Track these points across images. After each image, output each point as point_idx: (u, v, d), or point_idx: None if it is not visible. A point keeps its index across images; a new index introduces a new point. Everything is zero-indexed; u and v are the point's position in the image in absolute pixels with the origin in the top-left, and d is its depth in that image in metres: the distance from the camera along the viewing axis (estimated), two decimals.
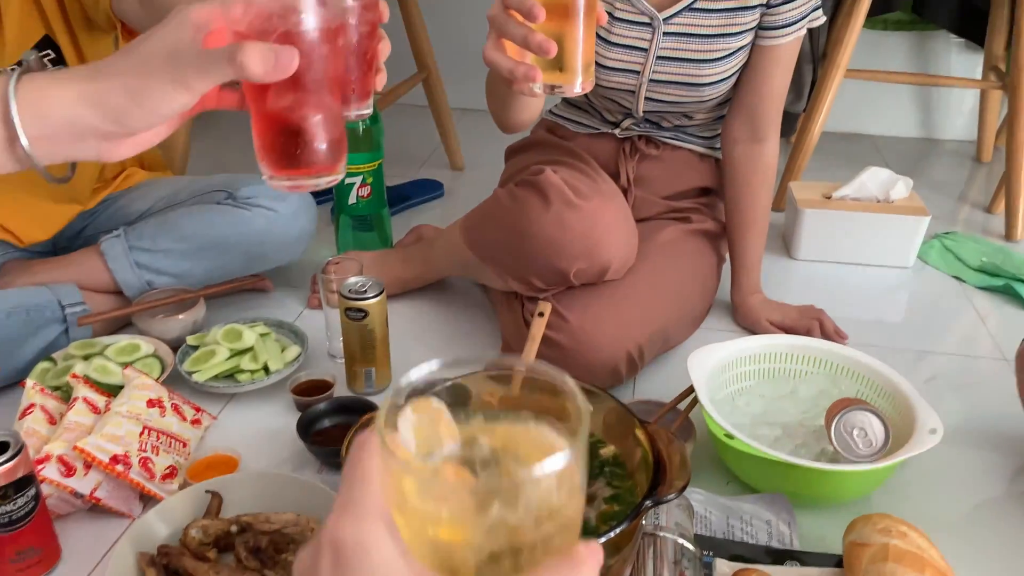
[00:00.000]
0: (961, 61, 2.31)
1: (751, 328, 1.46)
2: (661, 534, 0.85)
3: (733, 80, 1.32)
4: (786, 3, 1.23)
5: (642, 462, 0.80)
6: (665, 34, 1.25)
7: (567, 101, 1.49)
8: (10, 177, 0.61)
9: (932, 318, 1.55)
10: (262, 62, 0.53)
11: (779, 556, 0.93)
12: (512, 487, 0.31)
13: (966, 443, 1.17)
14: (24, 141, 0.56)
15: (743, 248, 1.44)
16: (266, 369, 1.27)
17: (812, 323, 1.42)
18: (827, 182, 1.75)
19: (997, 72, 2.02)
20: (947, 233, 1.78)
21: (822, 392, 1.16)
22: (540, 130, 1.51)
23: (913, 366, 1.38)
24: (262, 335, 1.32)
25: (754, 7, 1.23)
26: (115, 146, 0.60)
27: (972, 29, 2.14)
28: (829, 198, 1.71)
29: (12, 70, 0.57)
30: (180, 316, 1.35)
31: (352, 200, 1.57)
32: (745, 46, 1.28)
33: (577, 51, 0.80)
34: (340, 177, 0.64)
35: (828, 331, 1.42)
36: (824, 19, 1.30)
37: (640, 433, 0.81)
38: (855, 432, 1.00)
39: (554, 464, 0.30)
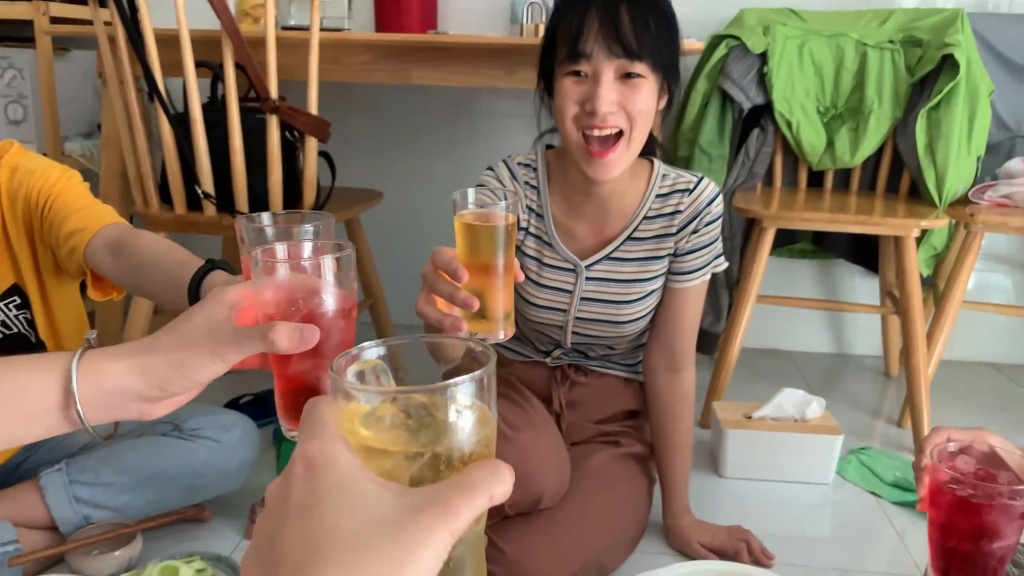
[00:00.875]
0: (863, 284, 2.55)
1: (682, 551, 1.50)
2: None
3: (649, 318, 1.46)
4: (690, 253, 1.39)
5: None
6: (587, 279, 1.40)
7: None
8: None
9: (853, 534, 1.62)
10: (288, 339, 0.61)
11: None
12: (431, 406, 0.40)
13: None
14: (79, 407, 0.64)
15: (671, 471, 1.52)
16: None
17: (740, 544, 1.47)
18: (748, 402, 1.87)
19: (892, 298, 2.23)
20: (862, 448, 1.89)
21: None
22: None
23: None
24: (199, 571, 1.31)
25: (663, 257, 1.40)
26: (154, 407, 0.67)
27: (865, 258, 2.37)
28: (750, 417, 1.82)
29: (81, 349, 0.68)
30: (116, 553, 1.34)
31: None
32: (657, 289, 1.43)
33: (498, 305, 0.91)
34: None
35: (755, 552, 1.47)
36: (726, 265, 1.47)
37: None
38: None
39: (461, 384, 0.40)
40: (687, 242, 1.39)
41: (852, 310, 2.33)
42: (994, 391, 2.38)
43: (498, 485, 0.38)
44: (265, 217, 0.95)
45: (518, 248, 1.42)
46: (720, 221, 1.40)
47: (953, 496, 0.86)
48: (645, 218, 1.38)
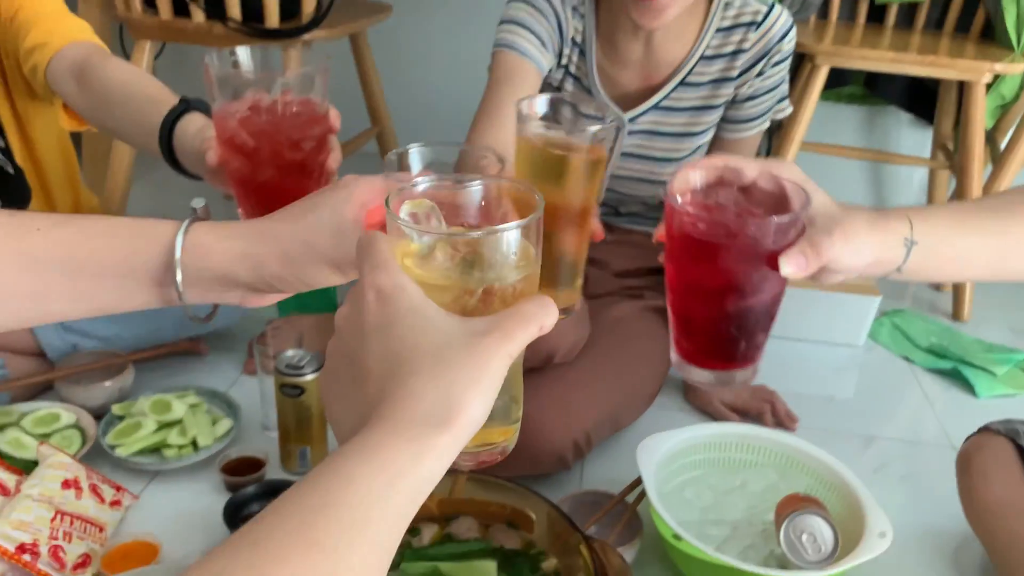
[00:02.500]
0: (911, 136, 2.35)
1: (703, 408, 1.43)
2: None
3: None
4: (751, 99, 1.21)
5: None
6: (630, 132, 1.23)
7: None
8: None
9: (880, 400, 1.54)
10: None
11: None
12: (482, 248, 0.43)
13: (912, 541, 1.15)
14: (180, 288, 0.58)
15: None
16: (195, 444, 1.20)
17: (764, 406, 1.40)
18: None
19: (945, 151, 2.06)
20: (897, 311, 1.79)
21: (771, 486, 1.13)
22: None
23: (861, 453, 1.36)
24: (192, 406, 1.25)
25: (718, 106, 1.21)
26: (259, 298, 0.61)
27: (921, 107, 2.18)
28: None
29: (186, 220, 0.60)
30: (106, 383, 1.28)
31: None
32: (706, 143, 1.27)
33: (571, 266, 0.75)
34: None
35: (779, 414, 1.40)
36: (790, 110, 1.29)
37: (585, 551, 0.77)
38: (804, 537, 0.97)
39: (511, 229, 0.43)
40: (749, 87, 1.20)
41: (900, 162, 2.16)
42: None
43: (546, 317, 0.42)
44: (241, 53, 0.80)
45: (556, 90, 1.23)
46: (790, 60, 1.20)
47: (682, 236, 0.62)
48: (702, 58, 1.17)
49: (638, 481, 1.09)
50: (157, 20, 1.61)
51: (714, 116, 1.22)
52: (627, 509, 1.08)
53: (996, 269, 0.69)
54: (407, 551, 0.83)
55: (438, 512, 0.85)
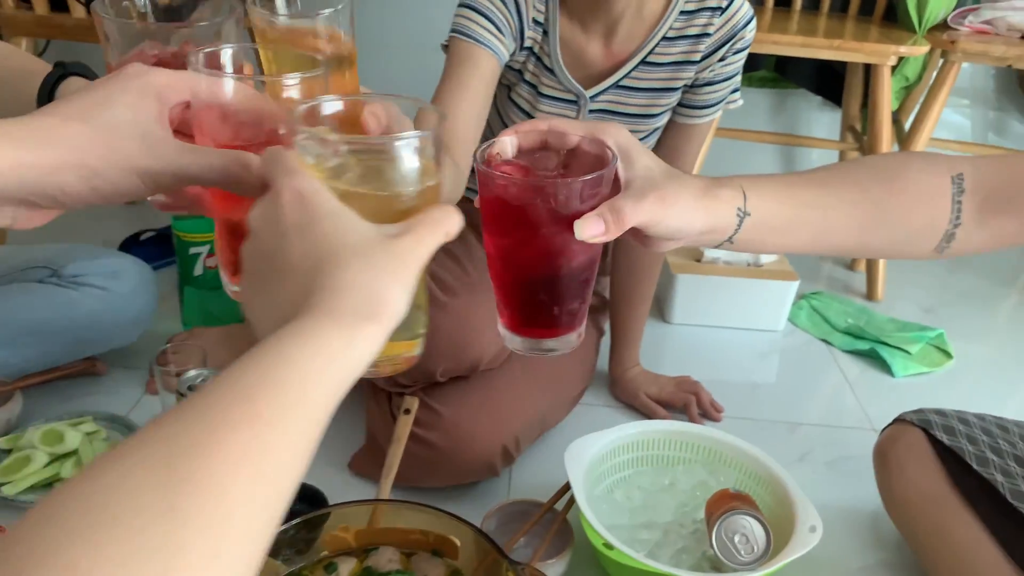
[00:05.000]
0: (821, 119, 2.39)
1: (629, 402, 1.41)
2: None
3: None
4: (709, 85, 1.19)
5: None
6: (590, 111, 1.19)
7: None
8: None
9: (802, 384, 1.55)
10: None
11: None
12: (388, 159, 0.47)
13: (839, 525, 1.16)
14: None
15: (628, 322, 1.40)
16: None
17: (688, 397, 1.39)
18: None
19: (854, 133, 2.09)
20: (815, 294, 1.81)
21: (700, 483, 1.11)
22: None
23: (786, 440, 1.37)
24: (89, 434, 1.16)
25: (677, 89, 1.18)
26: (34, 215, 0.51)
27: (830, 90, 2.21)
28: (700, 259, 1.70)
29: None
30: None
31: (198, 271, 1.43)
32: (662, 128, 1.24)
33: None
34: None
35: (704, 405, 1.39)
36: (741, 102, 1.27)
37: (511, 575, 0.73)
38: (736, 538, 0.95)
39: (410, 138, 0.47)
40: (710, 71, 1.17)
41: (811, 145, 2.19)
42: None
43: (452, 224, 0.45)
44: None
45: (518, 72, 1.18)
46: (748, 50, 1.18)
47: (487, 200, 0.59)
48: (664, 39, 1.14)
49: (567, 487, 1.06)
50: (32, 16, 1.49)
51: (672, 99, 1.19)
52: (557, 518, 1.05)
53: (818, 243, 0.70)
54: None
55: (356, 544, 0.80)
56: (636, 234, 0.62)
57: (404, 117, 0.52)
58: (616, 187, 0.61)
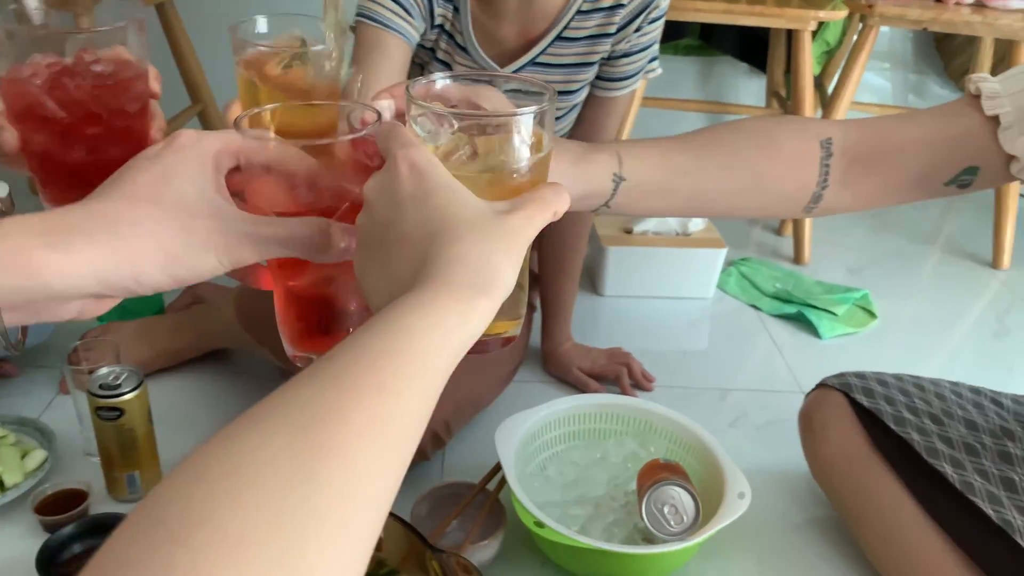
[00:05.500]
0: (747, 85, 2.41)
1: (562, 377, 1.41)
2: None
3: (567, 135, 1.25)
4: (626, 56, 1.17)
5: None
6: (506, 91, 1.16)
7: None
8: None
9: (732, 350, 1.57)
10: (344, 239, 0.49)
11: None
12: (501, 135, 0.48)
13: (770, 487, 1.17)
14: None
15: (558, 297, 1.39)
16: (1, 484, 1.06)
17: (620, 369, 1.39)
18: (623, 216, 1.74)
19: (779, 98, 2.11)
20: (743, 260, 1.83)
21: (631, 455, 1.12)
22: None
23: (718, 406, 1.38)
24: None
25: (594, 63, 1.16)
26: (101, 305, 0.47)
27: (754, 56, 2.22)
28: (630, 232, 1.70)
29: None
30: None
31: None
32: (581, 103, 1.22)
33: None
34: None
35: (636, 376, 1.40)
36: (660, 71, 1.25)
37: (435, 564, 0.71)
38: (666, 509, 0.95)
39: (524, 116, 0.47)
40: (627, 43, 1.15)
41: (737, 112, 2.20)
42: None
43: (561, 203, 0.46)
44: (29, 1, 0.66)
45: (430, 51, 1.14)
46: (664, 19, 1.17)
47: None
48: (579, 12, 1.11)
49: (498, 467, 1.05)
50: None
51: (589, 74, 1.17)
52: (488, 499, 1.04)
53: (691, 207, 0.72)
54: None
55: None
56: None
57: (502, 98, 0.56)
58: None
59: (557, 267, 1.37)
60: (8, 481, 1.06)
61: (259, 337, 1.19)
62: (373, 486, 0.33)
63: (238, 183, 0.50)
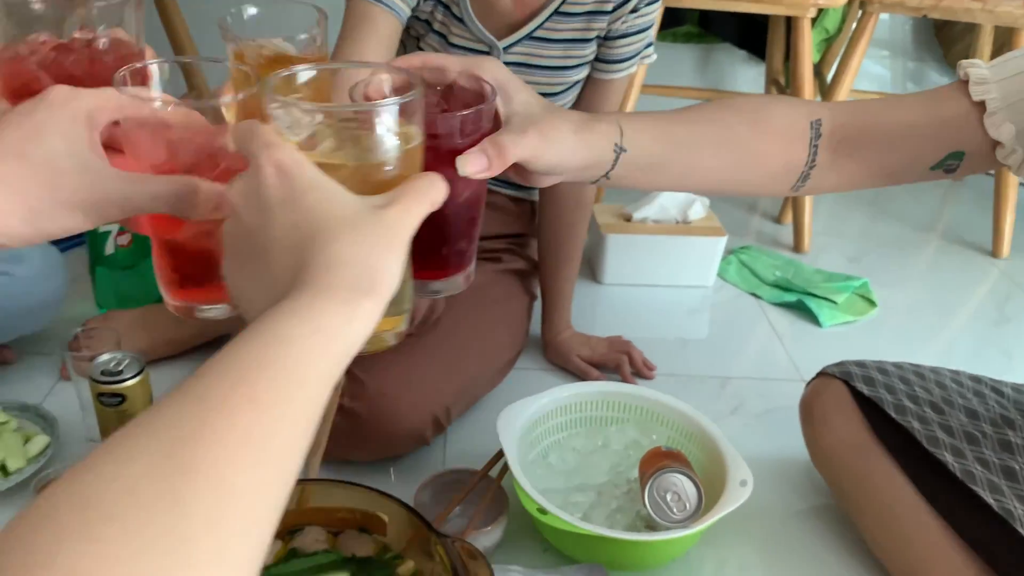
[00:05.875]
0: (746, 72, 2.40)
1: (561, 365, 1.41)
2: None
3: None
4: (623, 38, 1.16)
5: None
6: (504, 64, 1.15)
7: None
8: None
9: (732, 339, 1.57)
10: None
11: None
12: (367, 126, 0.46)
13: (770, 476, 1.18)
14: None
15: (557, 285, 1.39)
16: (4, 469, 1.06)
17: (620, 357, 1.39)
18: (627, 203, 1.74)
19: (777, 85, 2.10)
20: (743, 248, 1.83)
21: (633, 442, 1.12)
22: None
23: (718, 394, 1.39)
24: None
25: (591, 40, 1.16)
26: None
27: (753, 43, 2.22)
28: (629, 220, 1.70)
29: None
30: None
31: (110, 250, 1.36)
32: (580, 81, 1.22)
33: None
34: None
35: (636, 364, 1.40)
36: (655, 57, 1.25)
37: (440, 549, 0.71)
38: (668, 496, 0.96)
39: (388, 107, 0.46)
40: (623, 23, 1.14)
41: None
42: None
43: (437, 193, 0.44)
44: None
45: (426, 23, 1.14)
46: (661, 2, 1.16)
47: None
48: None
49: (500, 454, 1.05)
50: None
51: (587, 51, 1.17)
52: (491, 485, 1.04)
53: (684, 181, 0.72)
54: None
55: (281, 526, 0.77)
56: (518, 170, 0.61)
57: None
58: (496, 123, 0.61)
59: (555, 255, 1.37)
60: (11, 466, 1.06)
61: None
62: (250, 507, 0.30)
63: (114, 138, 0.51)
